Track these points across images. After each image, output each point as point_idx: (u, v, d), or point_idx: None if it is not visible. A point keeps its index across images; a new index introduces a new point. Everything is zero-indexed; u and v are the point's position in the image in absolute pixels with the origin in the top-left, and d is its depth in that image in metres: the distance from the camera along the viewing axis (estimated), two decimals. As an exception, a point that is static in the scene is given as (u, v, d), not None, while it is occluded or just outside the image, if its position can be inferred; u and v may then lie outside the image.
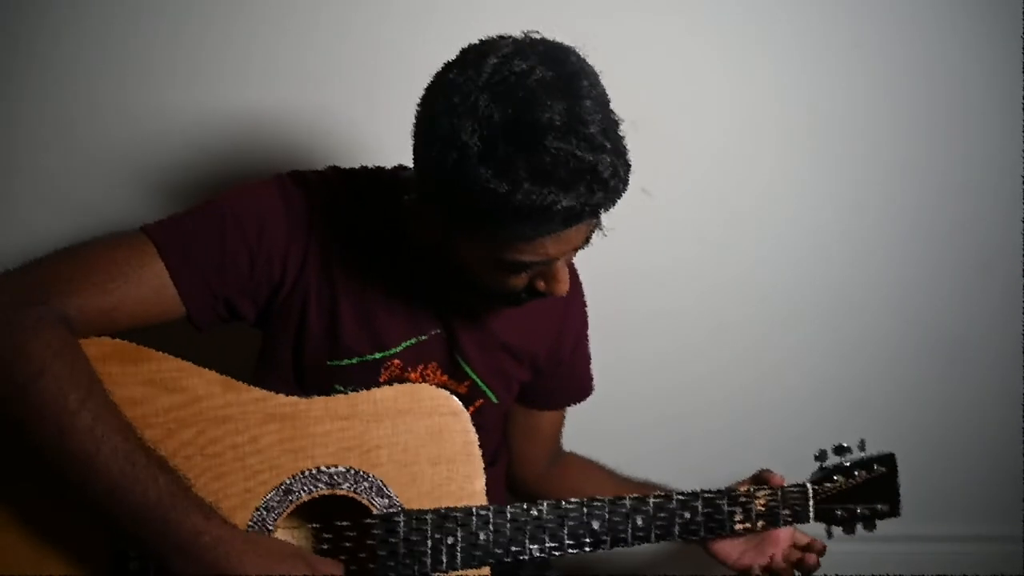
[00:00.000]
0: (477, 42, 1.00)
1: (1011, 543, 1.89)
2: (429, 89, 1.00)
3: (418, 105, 1.01)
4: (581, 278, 1.33)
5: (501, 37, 0.99)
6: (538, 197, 0.92)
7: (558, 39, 1.00)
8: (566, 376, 1.34)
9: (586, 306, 1.34)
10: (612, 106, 0.98)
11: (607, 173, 0.94)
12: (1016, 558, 1.88)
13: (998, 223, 1.78)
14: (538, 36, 0.99)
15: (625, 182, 0.97)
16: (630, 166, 0.98)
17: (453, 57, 1.00)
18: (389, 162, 1.21)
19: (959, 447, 1.88)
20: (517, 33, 0.99)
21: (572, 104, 0.93)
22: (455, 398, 1.13)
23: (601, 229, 1.05)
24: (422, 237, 1.09)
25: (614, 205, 0.99)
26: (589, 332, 1.36)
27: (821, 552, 1.28)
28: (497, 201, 0.93)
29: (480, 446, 1.13)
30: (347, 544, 1.11)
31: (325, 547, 1.11)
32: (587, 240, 1.04)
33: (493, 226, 0.97)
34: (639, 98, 1.61)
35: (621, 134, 0.98)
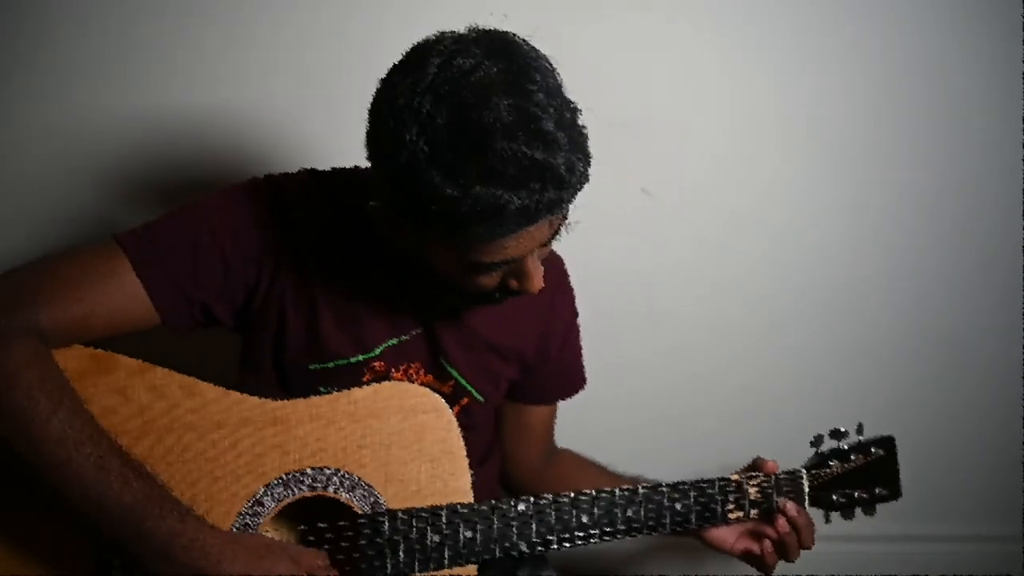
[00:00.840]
0: (421, 41, 0.97)
1: (1011, 543, 1.89)
2: (377, 93, 0.98)
3: (368, 110, 0.99)
4: (580, 278, 1.33)
5: (443, 33, 0.96)
6: (490, 199, 0.90)
7: (515, 32, 0.96)
8: (556, 371, 1.33)
9: (575, 300, 1.33)
10: (570, 95, 0.95)
11: (562, 168, 0.91)
12: (1016, 558, 1.88)
13: (998, 223, 1.78)
14: (484, 28, 0.96)
15: (583, 175, 0.94)
16: (589, 157, 0.95)
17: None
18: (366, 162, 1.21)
19: (959, 447, 1.87)
20: (462, 28, 0.96)
21: (520, 100, 0.90)
22: (436, 395, 1.13)
23: (567, 224, 1.02)
24: (392, 240, 1.07)
25: (573, 199, 0.96)
26: (581, 327, 1.35)
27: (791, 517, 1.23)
28: (449, 205, 0.91)
29: (469, 445, 1.14)
30: (332, 545, 1.10)
31: (325, 546, 1.11)
32: (554, 235, 1.02)
33: (450, 229, 0.94)
34: (639, 98, 1.62)
35: (580, 124, 0.95)
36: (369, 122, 0.99)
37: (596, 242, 1.50)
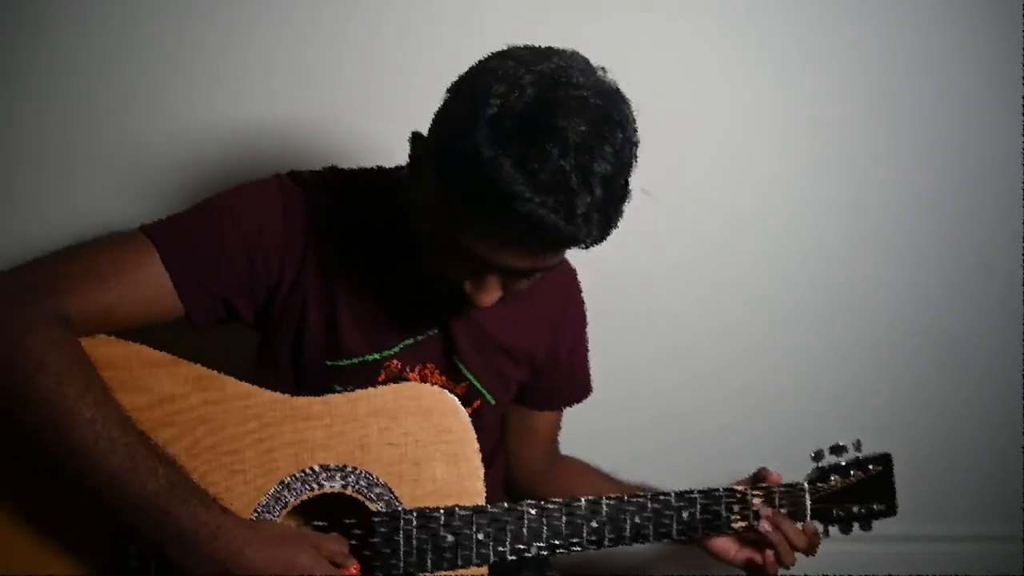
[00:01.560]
0: (554, 47, 0.98)
1: (1011, 543, 1.89)
2: (487, 59, 0.99)
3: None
4: (581, 278, 1.33)
5: (577, 52, 0.99)
6: (510, 183, 0.90)
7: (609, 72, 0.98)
8: (564, 377, 1.33)
9: (585, 310, 1.34)
10: (631, 181, 0.98)
11: (580, 211, 0.91)
12: (1016, 558, 1.89)
13: (998, 223, 1.79)
14: (610, 77, 0.98)
15: (586, 240, 0.95)
16: (605, 235, 0.97)
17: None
18: (389, 163, 1.21)
19: (959, 447, 1.88)
20: (553, 43, 0.99)
21: (595, 138, 0.92)
22: (453, 397, 1.13)
23: (536, 274, 1.03)
24: (412, 200, 1.07)
25: (562, 251, 0.99)
26: (588, 334, 1.35)
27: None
28: (478, 162, 0.91)
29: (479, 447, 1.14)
30: (347, 543, 1.09)
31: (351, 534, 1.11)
32: (526, 275, 1.02)
33: (463, 186, 0.94)
34: (639, 98, 1.62)
35: (620, 202, 0.97)
36: (467, 73, 0.99)
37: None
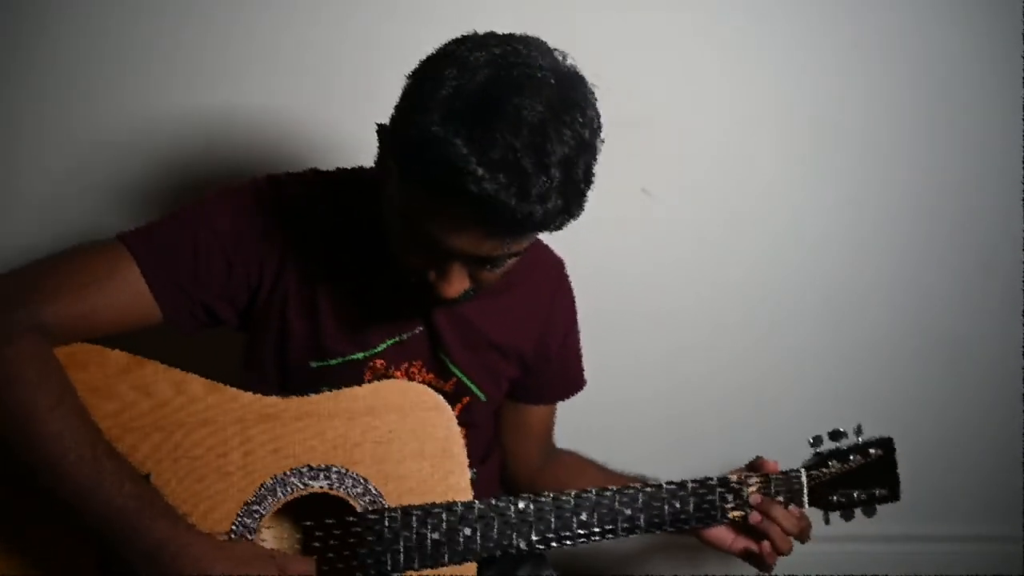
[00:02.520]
0: (506, 33, 0.98)
1: (1011, 543, 1.89)
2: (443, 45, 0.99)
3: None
4: (579, 277, 1.33)
5: (537, 37, 0.98)
6: (461, 161, 0.89)
7: (562, 47, 0.97)
8: (555, 371, 1.33)
9: (574, 302, 1.33)
10: (595, 165, 0.96)
11: (534, 191, 0.90)
12: (1016, 558, 1.88)
13: (998, 223, 1.78)
14: (570, 60, 0.97)
15: (544, 222, 0.94)
16: (565, 217, 0.96)
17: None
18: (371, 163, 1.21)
19: (959, 447, 1.88)
20: (553, 43, 0.98)
21: (552, 119, 0.91)
22: (436, 393, 1.13)
23: (502, 262, 1.01)
24: (381, 190, 1.06)
25: (520, 235, 0.97)
26: (581, 328, 1.35)
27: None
28: (431, 142, 0.91)
29: (470, 444, 1.14)
30: (332, 542, 1.10)
31: (315, 544, 1.11)
32: (490, 261, 1.00)
33: (417, 168, 0.94)
34: (639, 98, 1.62)
35: (582, 185, 0.95)
36: (420, 63, 0.99)
37: (596, 242, 1.50)
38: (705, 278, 1.76)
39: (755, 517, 1.21)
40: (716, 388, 1.81)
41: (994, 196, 1.77)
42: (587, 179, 0.97)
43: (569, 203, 0.95)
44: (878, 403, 1.84)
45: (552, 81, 0.93)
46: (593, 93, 0.98)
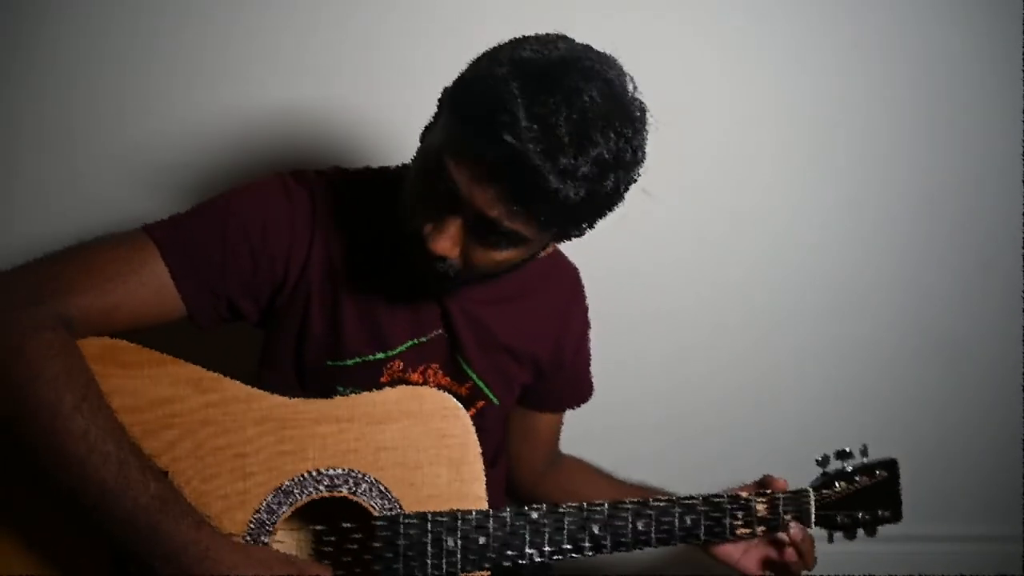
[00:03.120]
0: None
1: (1011, 543, 1.89)
2: None
3: None
4: (585, 279, 1.33)
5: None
6: (510, 103, 0.91)
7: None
8: (568, 379, 1.33)
9: (587, 311, 1.34)
10: (626, 191, 1.00)
11: (561, 164, 0.92)
12: (1016, 558, 1.89)
13: (998, 223, 1.79)
14: (641, 96, 1.01)
15: (557, 205, 0.95)
16: (575, 215, 0.99)
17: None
18: (394, 162, 1.21)
19: (959, 447, 1.88)
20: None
21: (603, 117, 0.94)
22: (456, 401, 1.12)
23: (500, 243, 1.01)
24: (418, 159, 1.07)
25: (531, 206, 0.96)
26: (591, 334, 1.35)
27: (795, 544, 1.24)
28: (488, 79, 0.94)
29: (481, 448, 1.13)
30: (347, 546, 1.10)
31: (327, 549, 1.11)
32: (488, 232, 0.99)
33: (466, 100, 0.97)
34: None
35: (606, 196, 0.98)
36: None
37: (595, 241, 1.49)
38: (705, 278, 1.76)
39: (791, 555, 1.23)
40: (716, 388, 1.80)
41: (994, 196, 1.77)
42: (613, 196, 1.00)
43: (587, 204, 0.97)
44: (878, 403, 1.84)
45: (618, 92, 0.97)
46: (647, 132, 1.01)
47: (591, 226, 1.06)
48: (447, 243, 1.00)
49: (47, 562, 1.02)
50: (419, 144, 1.07)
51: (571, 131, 0.93)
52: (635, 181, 1.02)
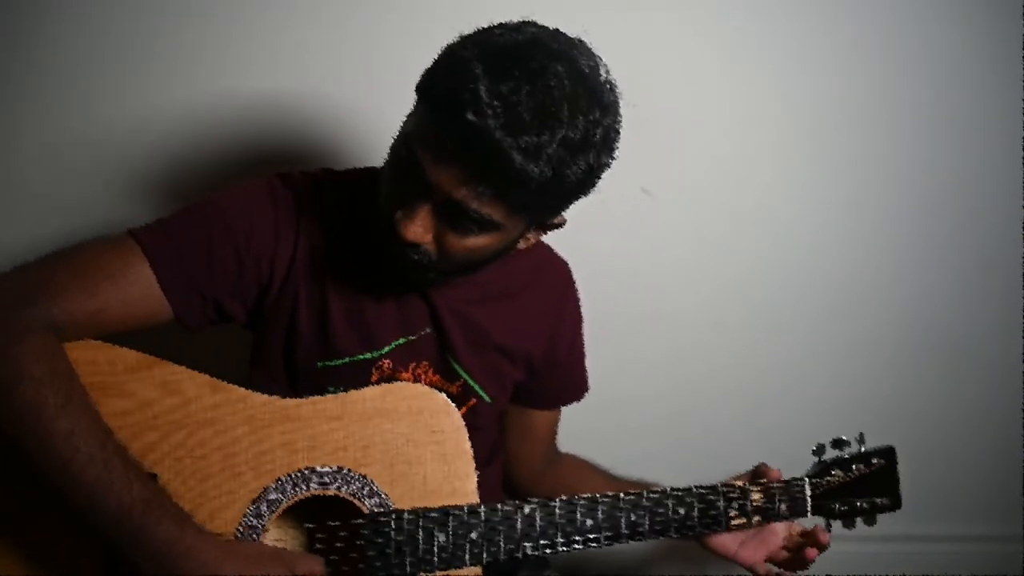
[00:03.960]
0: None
1: (1011, 543, 1.89)
2: None
3: None
4: (579, 277, 1.33)
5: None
6: (471, 80, 0.92)
7: None
8: (561, 376, 1.33)
9: (580, 306, 1.34)
10: (595, 179, 1.00)
11: (523, 142, 0.92)
12: (1016, 558, 1.89)
13: (998, 223, 1.78)
14: (618, 90, 1.01)
15: (520, 184, 0.95)
16: (540, 199, 0.98)
17: None
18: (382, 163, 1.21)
19: (959, 447, 1.88)
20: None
21: (570, 98, 0.94)
22: (445, 397, 1.13)
23: (468, 226, 1.01)
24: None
25: (495, 186, 0.96)
26: (586, 332, 1.35)
27: (823, 545, 1.24)
28: (452, 59, 0.96)
29: (475, 446, 1.13)
30: (338, 544, 1.10)
31: (318, 547, 1.11)
32: (456, 215, 0.99)
33: (429, 82, 0.98)
34: (639, 98, 1.62)
35: (575, 180, 0.98)
36: None
37: (595, 241, 1.50)
38: (704, 277, 1.76)
39: (811, 554, 1.22)
40: (715, 387, 1.80)
41: (994, 196, 1.77)
42: (585, 180, 1.00)
43: (556, 185, 0.97)
44: (878, 403, 1.84)
45: (588, 75, 0.97)
46: (620, 118, 1.00)
47: (562, 210, 1.06)
48: (418, 229, 1.01)
49: (43, 562, 1.03)
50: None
51: (534, 109, 0.92)
52: (608, 166, 1.02)
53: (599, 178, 1.02)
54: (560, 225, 1.12)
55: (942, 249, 1.79)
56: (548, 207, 1.05)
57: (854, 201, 1.76)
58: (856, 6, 1.66)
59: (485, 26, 1.01)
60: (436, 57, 1.01)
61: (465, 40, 0.99)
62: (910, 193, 1.76)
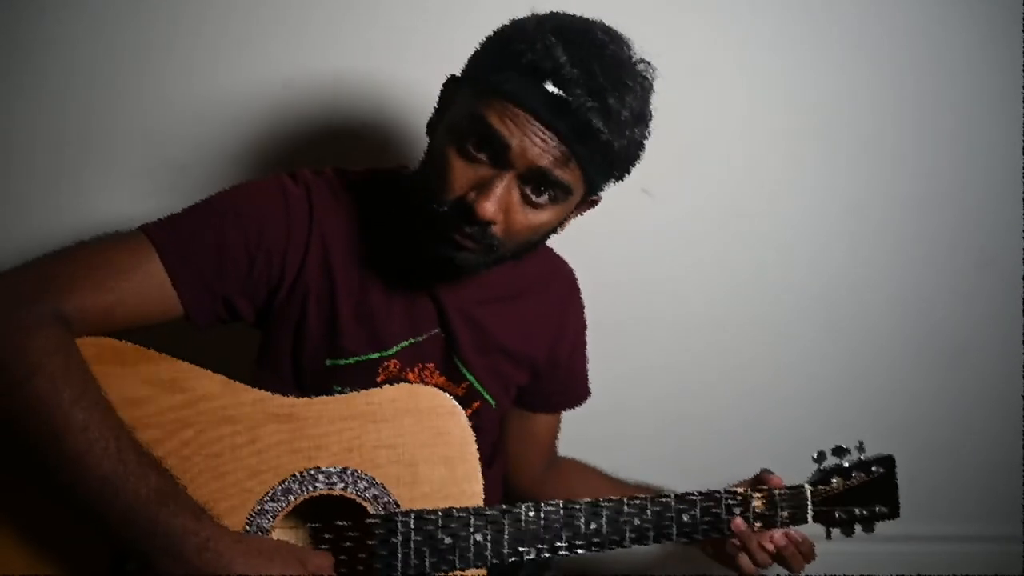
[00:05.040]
0: None
1: (1011, 543, 1.89)
2: None
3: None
4: (582, 281, 1.33)
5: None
6: (553, 48, 0.96)
7: None
8: (563, 380, 1.33)
9: (584, 310, 1.34)
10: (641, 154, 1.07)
11: (609, 105, 0.97)
12: (1016, 558, 1.88)
13: (998, 223, 1.78)
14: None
15: (608, 142, 1.00)
16: (618, 165, 1.04)
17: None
18: (394, 161, 1.21)
19: (959, 447, 1.88)
20: None
21: (628, 75, 1.01)
22: (451, 398, 1.13)
23: (546, 192, 1.04)
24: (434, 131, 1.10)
25: (581, 146, 1.00)
26: (590, 338, 1.35)
27: (808, 553, 1.24)
28: (525, 33, 0.99)
29: (477, 448, 1.13)
30: (345, 544, 1.10)
31: (323, 547, 1.11)
32: (537, 182, 1.02)
33: (504, 58, 1.00)
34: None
35: (639, 145, 1.06)
36: None
37: (595, 242, 1.50)
38: (704, 281, 1.76)
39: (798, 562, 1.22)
40: (716, 389, 1.80)
41: (994, 196, 1.77)
42: (637, 151, 1.07)
43: (624, 151, 1.03)
44: (879, 403, 1.84)
45: (629, 53, 1.03)
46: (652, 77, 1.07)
47: (610, 181, 1.10)
48: (494, 206, 1.01)
49: (47, 559, 1.02)
50: (428, 135, 1.10)
51: (608, 77, 0.98)
52: (647, 138, 1.08)
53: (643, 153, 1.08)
54: (596, 203, 1.15)
55: (942, 250, 1.79)
56: (608, 175, 1.09)
57: (854, 202, 1.76)
58: (857, 7, 1.66)
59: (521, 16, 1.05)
60: (492, 36, 1.05)
61: (523, 20, 1.03)
62: (910, 193, 1.76)
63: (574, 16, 1.04)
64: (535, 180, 1.02)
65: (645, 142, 1.08)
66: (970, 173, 1.76)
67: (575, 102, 0.96)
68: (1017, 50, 1.69)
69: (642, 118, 1.05)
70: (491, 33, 1.06)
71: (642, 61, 1.06)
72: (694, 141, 1.69)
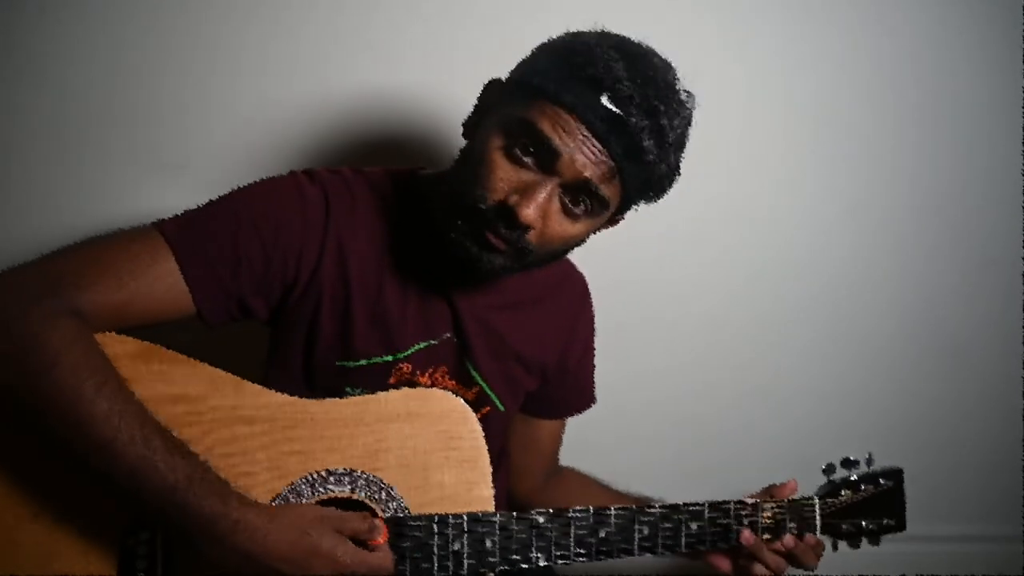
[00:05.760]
0: None
1: (1011, 543, 1.89)
2: None
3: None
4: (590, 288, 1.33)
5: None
6: (613, 62, 0.99)
7: None
8: (571, 386, 1.33)
9: (594, 318, 1.34)
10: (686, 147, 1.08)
11: (663, 122, 0.99)
12: (1016, 558, 1.89)
13: (998, 223, 1.79)
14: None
15: (652, 159, 1.01)
16: (663, 181, 1.06)
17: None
18: (412, 160, 1.20)
19: (960, 447, 1.88)
20: None
21: (675, 97, 1.02)
22: (464, 403, 1.12)
23: (584, 203, 1.04)
24: (473, 133, 1.10)
25: (628, 163, 1.01)
26: (596, 342, 1.35)
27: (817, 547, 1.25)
28: (584, 44, 1.02)
29: (487, 453, 1.13)
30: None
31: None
32: (580, 192, 1.03)
33: (562, 68, 1.00)
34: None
35: (677, 170, 1.07)
36: None
37: (594, 244, 1.49)
38: (705, 283, 1.76)
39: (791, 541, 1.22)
40: (717, 391, 1.80)
41: (994, 196, 1.78)
42: (673, 174, 1.08)
43: (658, 173, 1.04)
44: (879, 403, 1.84)
45: (679, 90, 1.05)
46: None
47: (639, 202, 1.11)
48: (536, 212, 1.02)
49: (55, 533, 1.02)
50: (465, 136, 1.11)
51: (661, 98, 0.99)
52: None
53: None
54: (617, 223, 1.16)
55: (943, 250, 1.79)
56: (643, 196, 1.10)
57: (855, 203, 1.76)
58: (857, 7, 1.66)
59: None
60: (544, 48, 1.06)
61: (583, 34, 1.05)
62: (911, 193, 1.76)
63: (623, 37, 1.06)
64: (577, 191, 1.03)
65: (680, 171, 1.08)
66: (970, 173, 1.76)
67: (630, 120, 0.97)
68: (1017, 50, 1.69)
69: (682, 146, 1.06)
70: (547, 41, 1.06)
71: (687, 91, 1.07)
72: (694, 142, 1.68)
